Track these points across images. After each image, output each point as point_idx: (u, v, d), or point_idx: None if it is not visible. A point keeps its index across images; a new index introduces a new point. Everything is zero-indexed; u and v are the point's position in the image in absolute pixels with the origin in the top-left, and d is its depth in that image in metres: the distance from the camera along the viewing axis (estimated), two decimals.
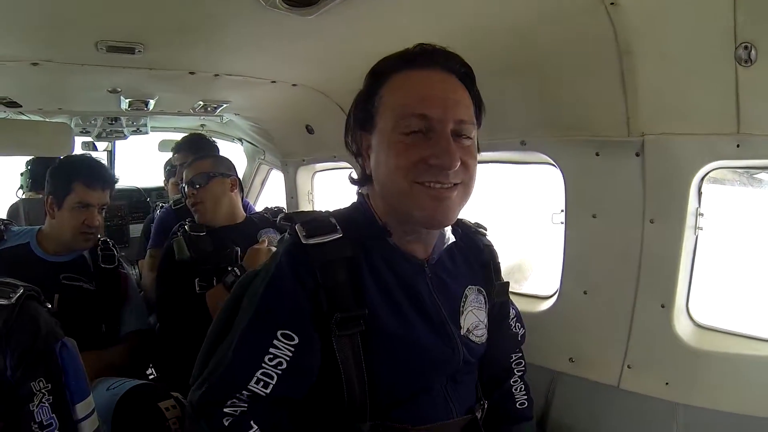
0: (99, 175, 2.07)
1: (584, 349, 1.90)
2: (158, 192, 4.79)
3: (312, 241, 1.06)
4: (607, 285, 1.82)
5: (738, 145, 1.51)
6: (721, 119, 1.50)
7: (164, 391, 1.80)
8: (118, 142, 4.86)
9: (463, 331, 1.18)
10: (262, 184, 4.43)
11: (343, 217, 1.14)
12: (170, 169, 4.04)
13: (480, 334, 1.23)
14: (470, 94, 1.08)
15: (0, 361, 1.24)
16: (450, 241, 1.21)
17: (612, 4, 1.38)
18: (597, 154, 1.74)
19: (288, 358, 1.00)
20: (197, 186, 2.21)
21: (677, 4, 1.38)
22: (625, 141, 1.65)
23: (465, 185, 1.05)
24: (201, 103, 3.01)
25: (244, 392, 1.01)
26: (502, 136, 1.95)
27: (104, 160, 5.10)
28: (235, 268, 1.95)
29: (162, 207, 3.47)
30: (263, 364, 1.00)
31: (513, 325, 1.43)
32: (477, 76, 1.13)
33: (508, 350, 1.43)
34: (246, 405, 1.01)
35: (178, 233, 2.20)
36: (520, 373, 1.44)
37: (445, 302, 1.15)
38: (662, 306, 1.70)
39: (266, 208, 2.56)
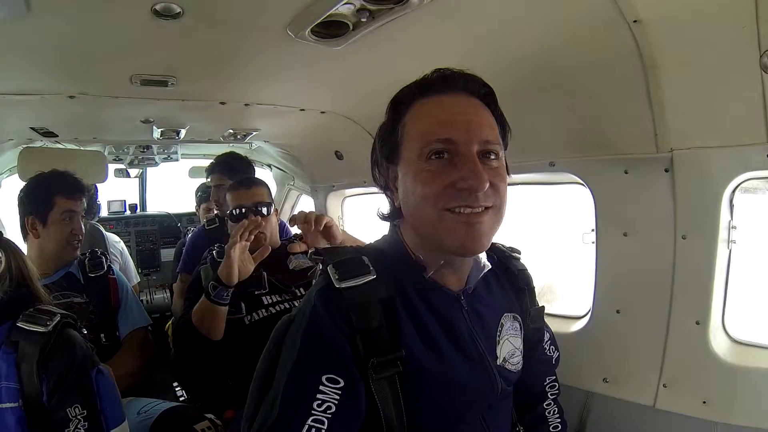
0: (77, 185, 2.16)
1: (618, 369, 1.87)
2: (189, 217, 4.99)
3: (345, 284, 1.02)
4: (641, 303, 1.79)
5: None
6: (750, 129, 1.48)
7: (198, 412, 1.83)
8: (149, 169, 5.03)
9: (499, 361, 1.15)
10: (292, 209, 4.48)
11: (376, 254, 1.10)
12: (201, 195, 4.13)
13: (516, 362, 1.20)
14: (494, 114, 1.06)
15: (37, 387, 1.29)
16: (486, 269, 1.15)
17: (635, 22, 1.38)
18: (626, 172, 1.72)
19: (336, 402, 0.95)
20: (262, 214, 2.19)
21: (699, 17, 1.37)
22: (654, 157, 1.64)
23: (496, 208, 1.02)
24: (231, 131, 3.04)
25: None
26: (530, 158, 1.95)
27: (137, 186, 5.32)
28: (214, 284, 1.91)
29: (193, 230, 3.52)
30: (312, 411, 0.95)
31: (547, 348, 1.40)
32: (503, 97, 1.13)
33: (543, 374, 1.40)
34: None
35: (207, 260, 2.22)
36: (553, 396, 1.41)
37: (482, 333, 1.12)
38: (697, 323, 1.67)
39: (294, 235, 2.55)
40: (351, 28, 1.44)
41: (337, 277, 1.02)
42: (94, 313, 2.08)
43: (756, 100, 1.42)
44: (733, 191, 1.63)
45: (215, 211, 3.73)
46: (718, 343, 1.69)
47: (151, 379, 2.33)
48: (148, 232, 4.92)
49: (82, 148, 3.38)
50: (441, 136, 0.98)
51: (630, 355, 1.83)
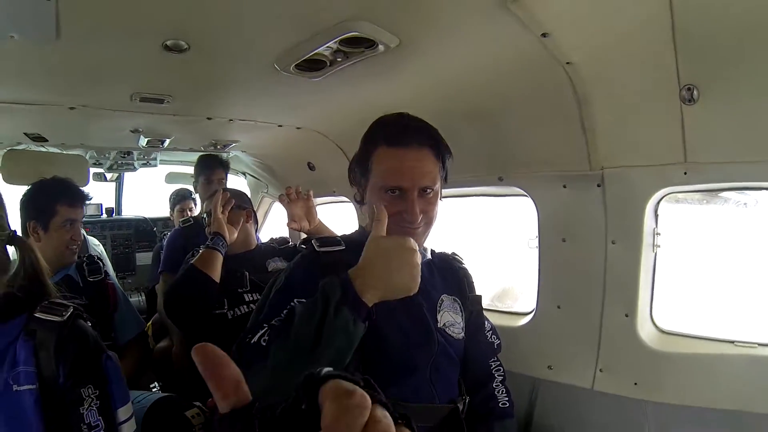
0: (78, 194, 2.25)
1: (561, 357, 2.07)
2: (164, 222, 4.94)
3: (323, 249, 1.46)
4: (577, 299, 2.00)
5: (685, 173, 1.73)
6: (670, 151, 1.72)
7: (188, 401, 1.99)
8: (126, 174, 5.01)
9: (440, 325, 1.48)
10: (265, 215, 4.56)
11: (348, 237, 1.55)
12: (176, 198, 4.19)
13: (457, 332, 1.52)
14: (436, 154, 1.42)
15: (54, 370, 1.38)
16: (425, 258, 1.55)
17: (568, 63, 1.61)
18: (564, 186, 1.96)
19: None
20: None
21: (625, 57, 1.60)
22: (588, 174, 1.87)
23: (427, 223, 1.44)
24: (212, 141, 3.18)
25: (264, 325, 1.29)
26: (482, 173, 2.18)
27: (113, 190, 5.24)
28: (212, 236, 2.28)
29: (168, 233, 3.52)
30: (282, 313, 1.28)
31: (489, 335, 1.68)
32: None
33: (487, 356, 1.66)
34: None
35: (192, 259, 2.37)
36: (500, 378, 1.66)
37: (425, 302, 1.46)
38: (626, 315, 1.90)
39: (272, 239, 2.75)
40: (328, 64, 1.70)
41: (318, 244, 1.46)
42: (93, 315, 2.17)
43: (675, 126, 1.67)
44: (657, 203, 1.86)
45: (189, 214, 3.89)
46: (646, 333, 1.92)
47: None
48: (124, 235, 4.92)
49: (64, 152, 3.43)
50: (394, 183, 1.38)
51: (570, 345, 2.04)
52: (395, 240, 1.25)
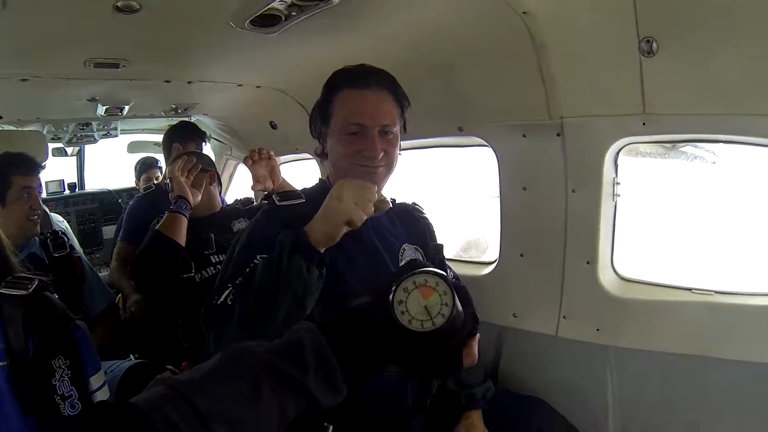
0: (31, 162, 2.24)
1: (525, 305, 2.12)
2: (129, 192, 4.81)
3: (283, 203, 1.51)
4: (540, 247, 2.05)
5: (644, 123, 1.76)
6: (629, 102, 1.75)
7: (160, 366, 2.00)
8: (87, 146, 4.91)
9: (402, 262, 1.53)
10: (230, 178, 4.53)
11: (308, 190, 1.61)
12: (141, 167, 4.17)
13: None
14: (397, 98, 1.50)
15: (23, 344, 1.37)
16: (389, 205, 1.56)
17: (524, 13, 1.63)
18: (524, 136, 1.98)
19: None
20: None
21: (584, 7, 1.62)
22: (547, 123, 1.89)
23: (388, 165, 1.49)
24: (173, 106, 3.14)
25: (229, 285, 1.32)
26: (442, 124, 2.21)
27: (74, 165, 5.13)
28: (176, 200, 2.30)
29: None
30: (246, 271, 1.32)
31: None
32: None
33: None
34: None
35: (158, 222, 2.39)
36: None
37: (385, 249, 1.51)
38: (588, 263, 1.95)
39: (236, 200, 2.78)
40: (283, 18, 1.69)
41: (278, 199, 1.52)
42: (62, 290, 2.13)
43: (635, 77, 1.69)
44: (617, 153, 1.90)
45: (155, 182, 3.82)
46: (607, 280, 1.97)
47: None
48: (89, 210, 4.83)
49: (20, 129, 3.36)
50: (355, 122, 1.44)
51: (533, 293, 2.09)
52: (349, 180, 1.34)
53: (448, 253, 1.88)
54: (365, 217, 1.29)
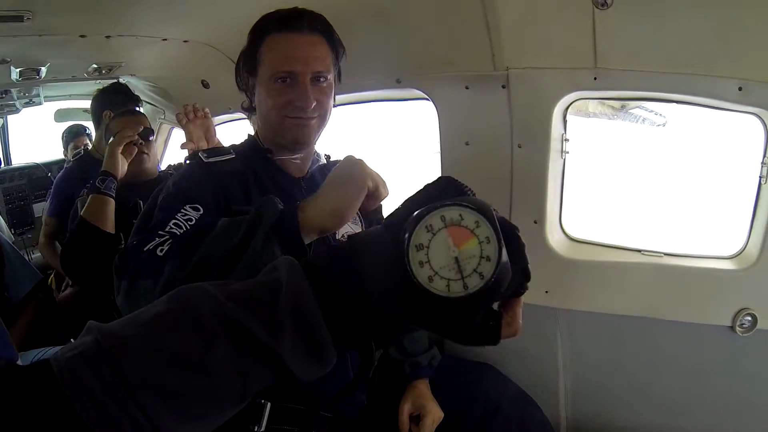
0: None
1: None
2: (59, 165, 4.56)
3: (211, 160, 1.41)
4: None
5: (595, 78, 1.76)
6: (580, 55, 1.74)
7: None
8: (10, 117, 4.71)
9: (338, 236, 1.43)
10: (165, 143, 4.39)
11: (237, 146, 1.53)
12: (68, 136, 4.10)
13: None
14: (330, 43, 1.41)
15: None
16: (319, 164, 1.56)
17: None
18: (467, 88, 1.93)
19: (196, 218, 1.24)
20: (150, 138, 2.41)
21: None
22: (492, 75, 1.85)
23: (321, 116, 1.42)
24: (95, 66, 2.95)
25: (160, 232, 1.20)
26: (378, 75, 2.14)
27: None
28: (102, 177, 2.16)
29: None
30: (176, 216, 1.23)
31: None
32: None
33: None
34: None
35: (85, 193, 2.28)
36: None
37: None
38: (535, 222, 1.95)
39: (169, 166, 2.64)
40: None
41: (205, 155, 1.42)
42: None
43: (587, 30, 1.67)
44: (566, 108, 1.90)
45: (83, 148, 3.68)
46: (556, 240, 1.99)
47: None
48: (17, 187, 4.57)
49: None
50: (285, 68, 1.35)
51: None
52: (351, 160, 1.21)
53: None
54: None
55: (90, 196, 2.14)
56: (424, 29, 1.93)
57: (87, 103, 4.02)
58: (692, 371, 1.92)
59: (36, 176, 4.69)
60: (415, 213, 0.55)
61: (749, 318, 1.90)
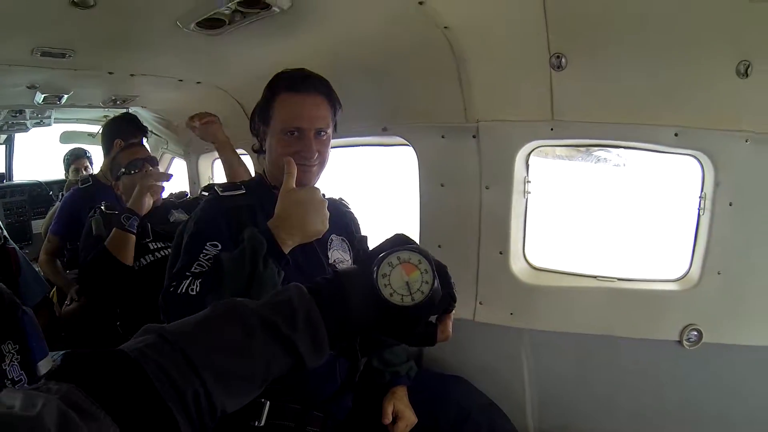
0: None
1: None
2: (60, 185, 4.67)
3: (225, 194, 1.69)
4: (456, 239, 2.22)
5: (552, 128, 1.98)
6: (539, 109, 1.96)
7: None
8: (16, 136, 4.79)
9: (330, 261, 1.74)
10: (166, 171, 4.33)
11: (247, 182, 1.82)
12: (69, 158, 4.09)
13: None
14: (330, 103, 1.67)
15: None
16: None
17: (446, 27, 1.82)
18: (443, 137, 2.17)
19: (216, 254, 1.50)
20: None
21: (500, 24, 1.82)
22: (464, 126, 2.09)
23: (321, 163, 1.69)
24: (113, 97, 3.17)
25: (187, 273, 1.47)
26: (367, 124, 2.39)
27: (2, 155, 4.95)
28: (127, 215, 2.33)
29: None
30: (199, 257, 1.50)
31: None
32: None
33: None
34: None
35: (96, 213, 2.50)
36: None
37: (317, 240, 1.65)
38: (500, 253, 2.15)
39: (171, 194, 2.87)
40: (227, 23, 1.87)
41: (221, 189, 1.71)
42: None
43: (545, 88, 1.91)
44: (528, 154, 2.11)
45: (85, 172, 3.80)
46: (519, 268, 2.19)
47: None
48: (17, 202, 4.70)
49: None
50: (294, 125, 1.62)
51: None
52: (308, 192, 1.51)
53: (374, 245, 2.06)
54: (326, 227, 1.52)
55: (114, 230, 2.30)
56: (408, 85, 2.17)
57: (92, 128, 4.19)
58: (646, 383, 2.11)
59: (37, 194, 4.80)
60: (380, 254, 0.84)
61: (695, 333, 2.09)
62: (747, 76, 1.84)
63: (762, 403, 2.13)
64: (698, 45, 1.81)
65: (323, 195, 1.58)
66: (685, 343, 2.09)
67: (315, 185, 1.65)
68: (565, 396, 2.24)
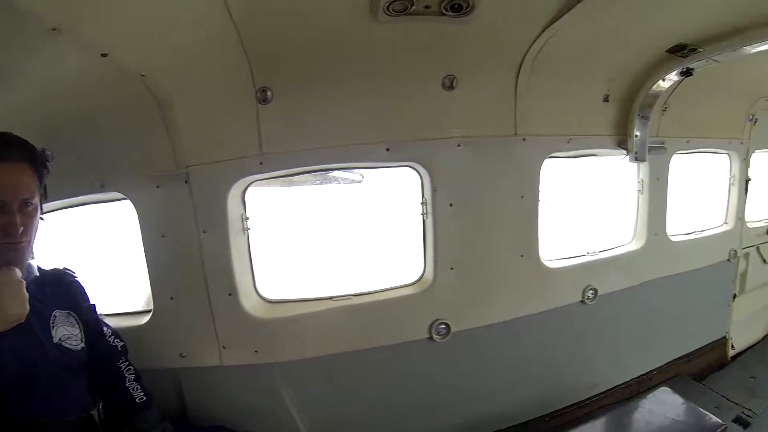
0: None
1: (188, 344, 2.25)
2: None
3: None
4: (186, 287, 2.20)
5: (261, 163, 2.10)
6: (248, 145, 2.06)
7: None
8: None
9: (55, 340, 1.63)
10: None
11: None
12: None
13: (75, 343, 1.69)
14: (35, 168, 1.57)
15: None
16: (33, 276, 1.68)
17: (142, 75, 1.81)
18: (158, 186, 2.13)
19: None
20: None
21: (201, 65, 1.88)
22: (175, 173, 2.09)
23: (28, 240, 1.56)
24: None
25: None
26: (84, 181, 2.19)
27: None
28: None
29: None
30: None
31: (111, 340, 1.88)
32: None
33: (113, 359, 1.87)
34: None
35: None
36: (132, 376, 1.86)
37: (35, 320, 1.56)
38: (230, 294, 2.19)
39: None
40: None
41: None
42: None
43: (252, 123, 2.03)
44: (244, 191, 2.21)
45: None
46: (252, 306, 2.27)
47: None
48: None
49: None
50: None
51: (192, 331, 2.24)
52: (1, 276, 1.42)
53: (108, 308, 1.99)
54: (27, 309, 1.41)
55: None
56: (119, 137, 2.12)
57: None
58: (399, 382, 2.35)
59: None
60: None
61: (443, 326, 2.40)
62: (453, 88, 2.22)
63: (507, 364, 2.56)
64: (404, 66, 2.09)
65: (22, 276, 1.50)
66: (435, 337, 2.40)
67: (14, 266, 1.51)
68: (335, 416, 2.39)
